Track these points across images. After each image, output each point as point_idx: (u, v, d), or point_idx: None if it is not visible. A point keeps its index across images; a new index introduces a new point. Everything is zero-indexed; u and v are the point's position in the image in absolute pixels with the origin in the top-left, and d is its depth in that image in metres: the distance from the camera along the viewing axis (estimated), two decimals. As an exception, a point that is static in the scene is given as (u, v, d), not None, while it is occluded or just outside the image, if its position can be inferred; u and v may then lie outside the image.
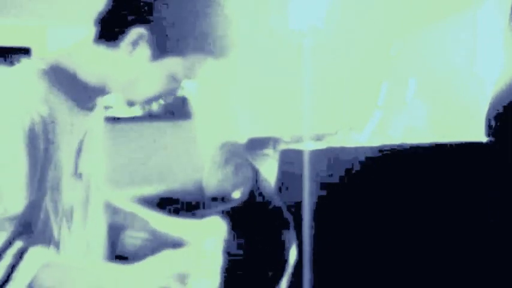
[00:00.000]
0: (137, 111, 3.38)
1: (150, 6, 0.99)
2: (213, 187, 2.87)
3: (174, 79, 1.04)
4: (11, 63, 1.09)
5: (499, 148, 1.01)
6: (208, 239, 1.27)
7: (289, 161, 0.98)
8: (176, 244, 1.30)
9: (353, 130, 2.06)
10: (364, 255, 0.98)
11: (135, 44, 1.00)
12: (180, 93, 3.53)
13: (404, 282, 0.99)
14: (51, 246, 1.02)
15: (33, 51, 3.26)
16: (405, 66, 2.03)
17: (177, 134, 3.64)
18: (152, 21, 0.99)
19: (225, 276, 1.16)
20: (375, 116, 1.83)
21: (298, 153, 0.97)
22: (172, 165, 3.49)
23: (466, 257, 1.01)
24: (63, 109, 1.00)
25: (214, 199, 2.70)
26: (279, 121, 3.14)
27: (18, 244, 0.89)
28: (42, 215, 0.99)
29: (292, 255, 0.99)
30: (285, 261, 1.02)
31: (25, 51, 3.24)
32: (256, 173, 1.55)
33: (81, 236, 1.11)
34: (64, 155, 1.01)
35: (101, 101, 1.16)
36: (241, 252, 1.33)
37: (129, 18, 1.00)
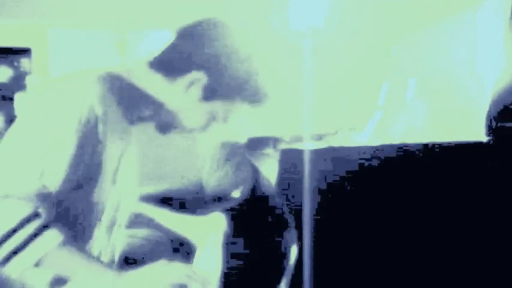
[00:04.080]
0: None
1: (212, 56, 1.11)
2: (213, 186, 2.86)
3: (213, 119, 1.17)
4: (11, 64, 1.15)
5: (499, 148, 1.01)
6: (210, 235, 1.29)
7: (289, 160, 0.98)
8: (176, 241, 1.30)
9: (353, 130, 2.06)
10: (365, 255, 0.98)
11: (191, 84, 1.12)
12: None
13: (405, 282, 0.99)
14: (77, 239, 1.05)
15: (33, 52, 3.25)
16: (405, 66, 2.03)
17: (177, 134, 3.64)
18: (210, 68, 1.11)
19: (225, 276, 1.16)
20: (375, 116, 1.83)
21: (298, 153, 0.97)
22: (172, 164, 3.48)
23: (466, 257, 1.01)
24: (114, 115, 1.06)
25: (214, 198, 2.69)
26: (279, 121, 3.13)
27: (42, 219, 0.95)
28: (74, 209, 1.04)
29: (293, 255, 0.99)
30: (285, 261, 1.02)
31: (25, 52, 3.24)
32: (256, 172, 1.55)
33: (106, 240, 1.15)
34: (108, 158, 1.06)
35: (145, 118, 1.21)
36: (241, 252, 1.33)
37: (191, 62, 1.12)
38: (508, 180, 1.01)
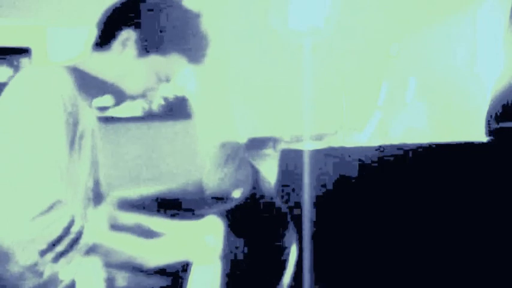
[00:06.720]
0: (137, 111, 3.38)
1: (138, 11, 1.14)
2: (213, 187, 2.87)
3: (157, 78, 1.18)
4: (11, 63, 1.19)
5: (499, 148, 1.01)
6: (208, 237, 1.29)
7: (289, 161, 0.98)
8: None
9: (353, 130, 2.06)
10: (365, 255, 0.98)
11: (124, 44, 1.14)
12: (180, 93, 3.53)
13: (405, 282, 0.99)
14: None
15: (33, 51, 3.25)
16: (405, 66, 2.03)
17: (177, 134, 3.64)
18: (139, 24, 1.14)
19: (225, 276, 1.16)
20: (375, 116, 1.84)
21: (298, 153, 0.97)
22: (172, 165, 3.49)
23: (466, 257, 1.01)
24: (80, 102, 1.10)
25: (214, 199, 2.70)
26: (279, 121, 3.13)
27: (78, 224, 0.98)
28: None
29: (292, 255, 0.99)
30: (285, 261, 1.02)
31: (25, 51, 3.24)
32: (256, 172, 1.55)
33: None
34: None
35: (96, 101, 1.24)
36: (241, 252, 1.33)
37: (119, 22, 1.15)
38: (508, 181, 1.01)
